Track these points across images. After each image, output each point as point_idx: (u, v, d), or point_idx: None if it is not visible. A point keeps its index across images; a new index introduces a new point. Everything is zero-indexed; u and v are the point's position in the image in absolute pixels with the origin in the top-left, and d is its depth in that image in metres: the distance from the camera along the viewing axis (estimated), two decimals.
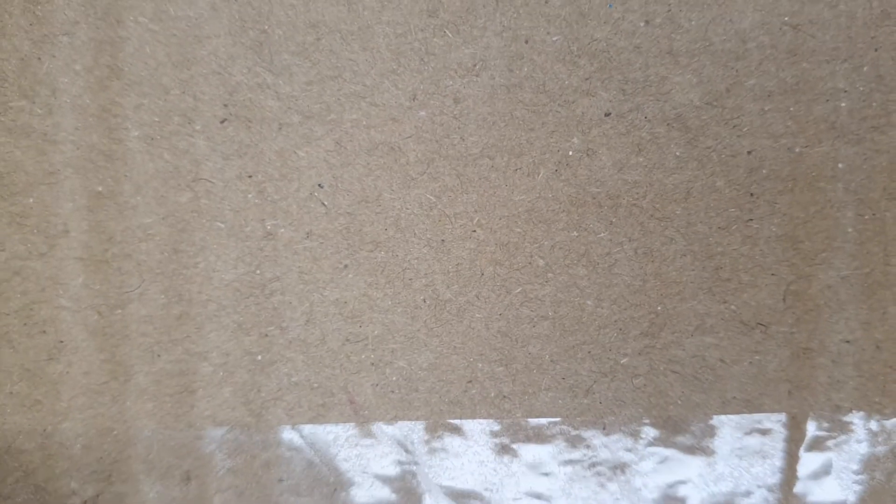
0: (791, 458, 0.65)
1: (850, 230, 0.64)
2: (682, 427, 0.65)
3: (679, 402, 0.65)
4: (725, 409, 0.65)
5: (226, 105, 0.64)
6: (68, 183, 0.64)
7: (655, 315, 0.65)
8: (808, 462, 0.65)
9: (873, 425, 0.65)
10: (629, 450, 0.65)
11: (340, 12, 0.64)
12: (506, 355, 0.65)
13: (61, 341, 0.65)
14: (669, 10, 0.64)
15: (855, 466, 0.65)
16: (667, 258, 0.65)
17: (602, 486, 0.65)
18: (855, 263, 0.64)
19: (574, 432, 0.65)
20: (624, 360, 0.65)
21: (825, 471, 0.65)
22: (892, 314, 0.64)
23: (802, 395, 0.65)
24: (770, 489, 0.65)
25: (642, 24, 0.64)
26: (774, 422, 0.65)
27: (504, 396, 0.65)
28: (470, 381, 0.65)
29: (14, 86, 0.64)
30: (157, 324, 0.65)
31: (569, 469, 0.65)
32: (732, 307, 0.65)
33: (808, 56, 0.64)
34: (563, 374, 0.65)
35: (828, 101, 0.64)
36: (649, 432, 0.65)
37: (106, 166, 0.64)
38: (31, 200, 0.64)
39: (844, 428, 0.65)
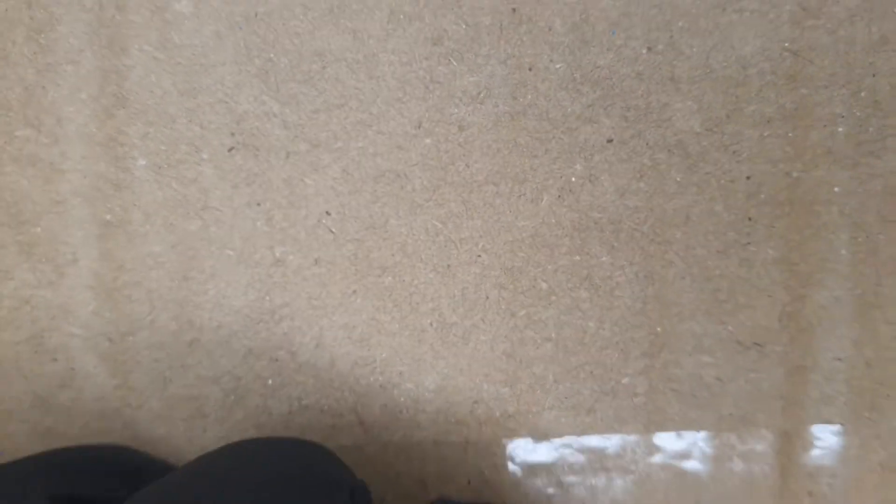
0: (784, 472, 0.72)
1: (843, 252, 0.71)
2: (678, 442, 0.72)
3: (677, 418, 0.71)
4: (721, 425, 0.72)
5: (233, 133, 0.69)
6: (76, 212, 0.69)
7: (655, 336, 0.71)
8: (800, 475, 0.72)
9: (863, 439, 0.72)
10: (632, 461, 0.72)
11: (346, 41, 0.68)
12: (510, 376, 0.71)
13: (73, 368, 0.70)
14: (671, 37, 0.69)
15: (844, 479, 0.73)
16: (666, 281, 0.71)
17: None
18: (848, 284, 0.71)
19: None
20: (625, 380, 0.71)
21: (816, 483, 0.73)
22: (882, 333, 0.71)
23: (795, 410, 0.72)
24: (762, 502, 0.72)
25: (644, 50, 0.69)
26: (767, 437, 0.72)
27: (509, 416, 0.71)
28: (476, 402, 0.71)
29: (19, 115, 0.68)
30: (169, 350, 0.70)
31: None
32: (729, 328, 0.71)
33: (806, 82, 0.69)
34: (566, 393, 0.71)
35: (825, 126, 0.70)
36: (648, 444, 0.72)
37: (114, 195, 0.69)
38: (39, 229, 0.69)
39: (835, 442, 0.72)
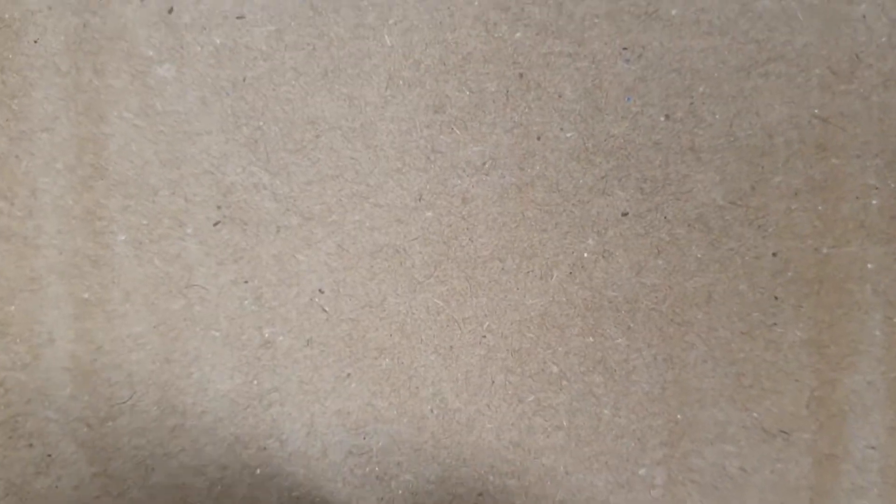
0: None
1: (877, 333, 0.66)
2: None
3: None
4: None
5: (219, 207, 0.65)
6: (52, 289, 0.65)
7: (675, 423, 0.67)
8: None
9: None
10: None
11: (341, 108, 0.64)
12: (518, 467, 0.67)
13: (49, 455, 0.66)
14: (692, 104, 0.65)
15: None
16: (687, 364, 0.66)
17: None
18: (882, 368, 0.66)
19: None
20: (642, 471, 0.67)
21: None
22: None
23: (824, 502, 0.67)
24: None
25: (662, 118, 0.65)
26: None
27: None
28: (480, 495, 0.67)
29: None
30: (150, 436, 0.66)
31: None
32: (754, 414, 0.67)
33: (837, 151, 0.65)
34: (579, 486, 0.67)
35: (858, 198, 0.66)
36: None
37: (92, 272, 0.65)
38: (13, 308, 0.65)
39: None
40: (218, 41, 0.63)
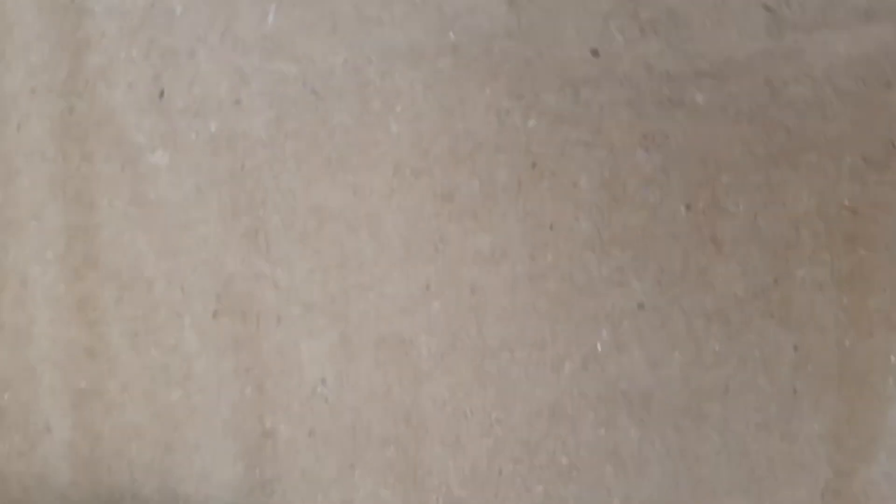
0: None
1: None
2: None
3: None
4: None
5: (218, 297, 0.63)
6: (47, 379, 0.64)
7: None
8: None
9: None
10: None
11: (345, 197, 0.62)
12: None
13: None
14: (714, 194, 0.62)
15: None
16: (701, 457, 0.66)
17: None
18: None
19: None
20: None
21: None
22: None
23: None
24: None
25: (683, 209, 0.63)
26: None
27: None
28: None
29: None
30: None
31: None
32: None
33: (866, 242, 0.63)
34: None
35: (885, 290, 0.64)
36: None
37: (88, 362, 0.64)
38: (7, 396, 0.65)
39: None
40: (213, 128, 0.61)
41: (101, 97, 0.60)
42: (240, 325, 0.63)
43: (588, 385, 0.64)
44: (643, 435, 0.65)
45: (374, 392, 0.64)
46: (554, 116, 0.61)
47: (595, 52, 0.60)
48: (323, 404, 0.64)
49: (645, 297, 0.63)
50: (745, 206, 0.62)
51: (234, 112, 0.60)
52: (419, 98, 0.60)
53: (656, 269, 0.63)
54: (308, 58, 0.59)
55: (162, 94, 0.59)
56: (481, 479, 0.66)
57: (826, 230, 0.62)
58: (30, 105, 0.60)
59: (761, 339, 0.63)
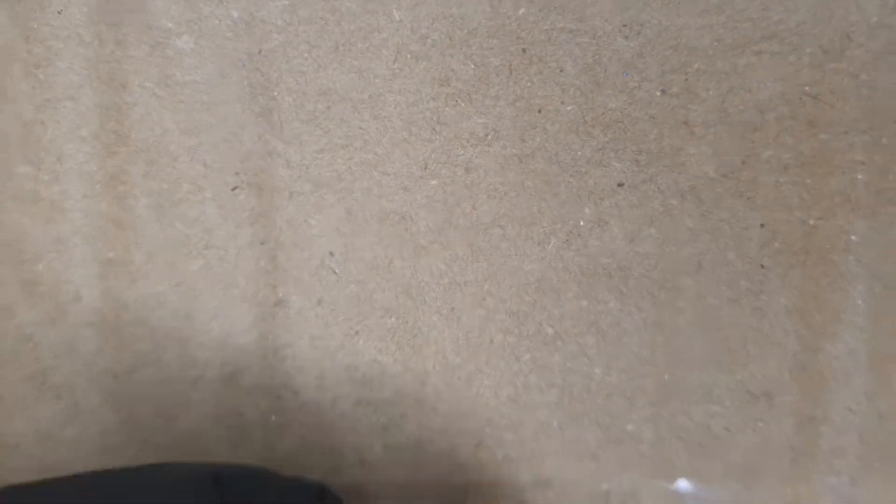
0: None
1: (860, 303, 0.72)
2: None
3: (683, 468, 0.74)
4: (728, 475, 0.74)
5: (236, 173, 0.71)
6: (78, 251, 0.72)
7: (663, 384, 0.73)
8: None
9: (874, 492, 0.74)
10: None
11: (351, 80, 0.70)
12: (514, 421, 0.74)
13: (76, 405, 0.73)
14: (687, 80, 0.70)
15: None
16: (676, 329, 0.73)
17: None
18: (864, 336, 0.72)
19: None
20: (630, 427, 0.74)
21: None
22: None
23: (805, 462, 0.74)
24: None
25: (658, 93, 0.70)
26: (776, 489, 0.74)
27: (511, 460, 0.74)
28: (478, 445, 0.74)
29: (18, 152, 0.71)
30: (173, 387, 0.73)
31: None
32: (739, 377, 0.73)
33: (826, 127, 0.70)
34: (571, 440, 0.74)
35: (844, 173, 0.71)
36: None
37: (116, 234, 0.71)
38: (41, 267, 0.72)
39: (845, 494, 0.74)
40: (235, 14, 0.68)
41: None
42: (255, 200, 0.70)
43: (571, 260, 0.71)
44: (622, 307, 0.71)
45: (377, 264, 0.71)
46: (542, 3, 0.68)
47: None
48: (331, 275, 0.71)
49: (624, 176, 0.70)
50: (714, 92, 0.69)
51: (253, 0, 0.68)
52: None
53: (634, 150, 0.70)
54: None
55: None
56: (474, 347, 0.72)
57: (789, 114, 0.69)
58: None
59: (731, 217, 0.70)
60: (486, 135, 0.71)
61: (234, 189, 0.71)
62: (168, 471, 0.59)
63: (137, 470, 0.59)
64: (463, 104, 0.70)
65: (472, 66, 0.70)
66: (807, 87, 0.70)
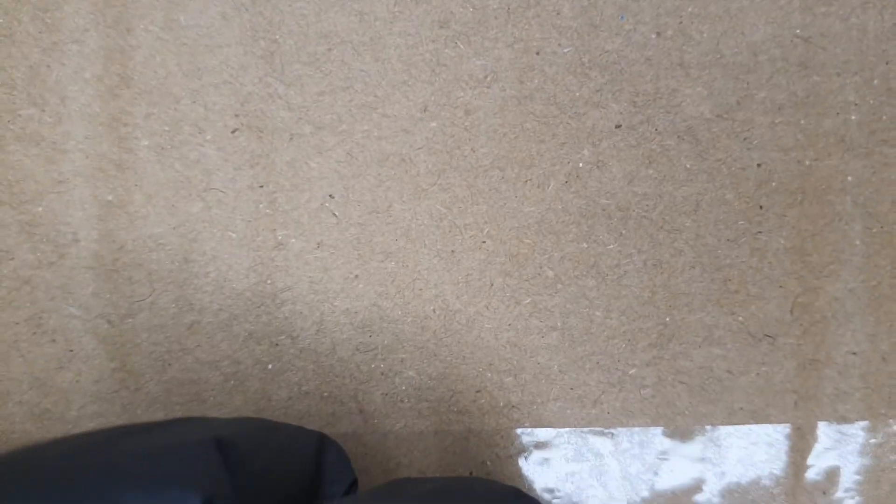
0: (797, 469, 0.75)
1: (857, 243, 0.73)
2: (690, 437, 0.74)
3: (686, 412, 0.74)
4: (732, 419, 0.74)
5: (237, 115, 0.72)
6: (78, 192, 0.73)
7: (664, 326, 0.74)
8: (814, 473, 0.75)
9: (879, 436, 0.74)
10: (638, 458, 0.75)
11: (352, 23, 0.72)
12: (514, 365, 0.74)
13: (71, 350, 0.73)
14: (681, 23, 0.72)
15: (860, 477, 0.75)
16: (676, 270, 0.73)
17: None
18: (862, 276, 0.73)
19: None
20: (632, 371, 0.74)
21: (831, 481, 0.75)
22: None
23: (808, 405, 0.74)
24: (776, 500, 0.75)
25: (654, 35, 0.72)
26: (780, 433, 0.74)
27: (513, 406, 0.74)
28: (479, 391, 0.74)
29: (23, 93, 0.72)
30: (168, 333, 0.74)
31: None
32: (740, 319, 0.74)
33: (818, 69, 0.73)
34: (572, 384, 0.74)
35: (838, 114, 0.73)
36: (659, 442, 0.74)
37: (116, 176, 0.73)
38: (41, 209, 0.73)
39: (850, 439, 0.74)
40: None
41: None
42: (255, 143, 0.72)
43: (571, 201, 0.72)
44: (621, 249, 0.72)
45: (376, 207, 0.72)
46: None
47: None
48: (330, 218, 0.72)
49: (622, 117, 0.72)
50: (708, 34, 0.71)
51: None
52: None
53: (631, 92, 0.72)
54: None
55: None
56: (474, 290, 0.73)
57: (782, 56, 0.71)
58: None
59: (728, 157, 0.71)
60: (485, 76, 0.73)
61: (234, 131, 0.73)
62: (171, 433, 0.56)
63: (136, 433, 0.56)
64: (462, 46, 0.72)
65: (471, 9, 0.72)
66: (798, 30, 0.72)
